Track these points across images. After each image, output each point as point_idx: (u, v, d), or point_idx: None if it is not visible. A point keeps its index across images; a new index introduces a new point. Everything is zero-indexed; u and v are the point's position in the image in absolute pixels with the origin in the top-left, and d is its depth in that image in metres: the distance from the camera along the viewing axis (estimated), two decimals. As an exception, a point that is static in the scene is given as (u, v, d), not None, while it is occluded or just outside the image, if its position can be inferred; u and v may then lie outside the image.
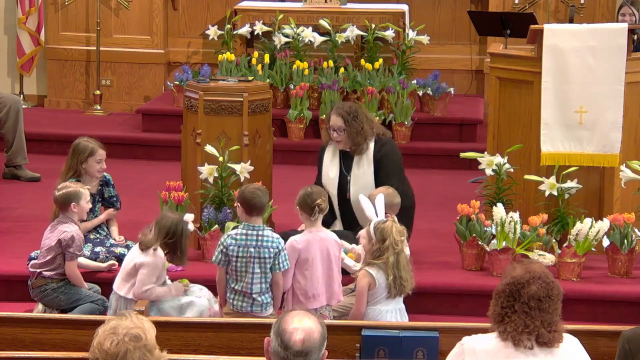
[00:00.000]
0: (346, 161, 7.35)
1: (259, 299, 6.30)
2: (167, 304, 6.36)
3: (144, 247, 6.36)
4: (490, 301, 4.45)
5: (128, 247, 7.03)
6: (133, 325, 3.55)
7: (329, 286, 6.40)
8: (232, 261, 6.30)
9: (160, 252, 6.36)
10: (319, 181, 7.41)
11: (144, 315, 5.60)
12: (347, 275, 6.66)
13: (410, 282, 6.26)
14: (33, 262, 6.74)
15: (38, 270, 6.67)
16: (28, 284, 6.73)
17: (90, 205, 6.87)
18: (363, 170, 7.28)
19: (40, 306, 6.75)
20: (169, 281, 6.55)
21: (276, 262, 6.29)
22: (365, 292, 6.23)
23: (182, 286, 6.47)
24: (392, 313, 6.28)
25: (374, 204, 6.44)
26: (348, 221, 7.26)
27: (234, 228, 6.49)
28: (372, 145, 7.29)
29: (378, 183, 7.15)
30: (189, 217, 6.63)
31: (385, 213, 6.56)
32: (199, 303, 6.40)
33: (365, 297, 6.24)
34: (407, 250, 6.75)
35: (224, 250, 6.31)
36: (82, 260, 6.87)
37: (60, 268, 6.64)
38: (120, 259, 6.98)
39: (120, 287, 6.41)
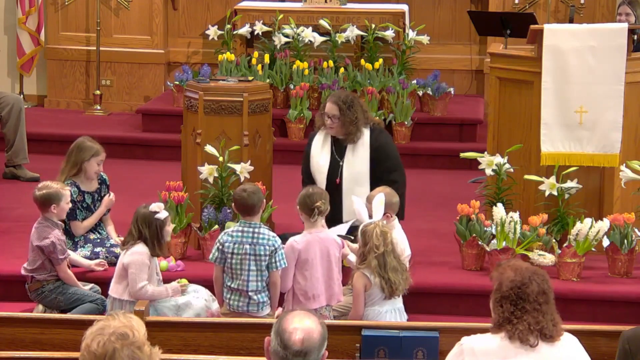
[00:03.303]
0: (338, 147, 7.35)
1: (255, 297, 6.31)
2: (164, 304, 6.36)
3: (123, 246, 6.48)
4: (493, 309, 4.45)
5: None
6: (120, 324, 3.51)
7: (329, 286, 6.40)
8: (228, 258, 6.33)
9: (141, 247, 6.37)
10: (305, 167, 7.40)
11: (144, 315, 5.61)
12: (346, 268, 6.66)
13: (402, 284, 6.26)
14: (24, 266, 6.72)
15: (30, 275, 6.66)
16: (26, 287, 6.72)
17: (69, 206, 6.85)
18: (359, 157, 7.28)
19: (40, 307, 6.75)
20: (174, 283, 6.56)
21: (273, 260, 6.31)
22: (362, 293, 6.24)
23: (180, 287, 6.47)
24: (390, 313, 6.28)
25: (371, 204, 6.48)
26: (334, 209, 7.02)
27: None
28: (367, 133, 7.32)
29: (378, 174, 7.15)
30: (154, 206, 6.48)
31: (385, 213, 6.59)
32: (195, 304, 6.40)
33: (362, 298, 6.24)
34: (406, 251, 6.76)
35: (220, 247, 6.36)
36: (73, 256, 6.91)
37: (53, 271, 6.64)
38: (120, 258, 7.02)
39: (113, 290, 6.44)
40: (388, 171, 7.26)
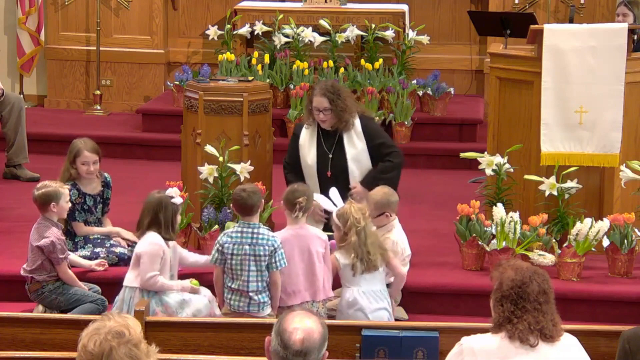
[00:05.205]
0: (327, 140, 7.34)
1: (256, 297, 6.32)
2: (169, 296, 6.36)
3: (137, 230, 6.52)
4: (493, 308, 4.45)
5: (128, 247, 7.10)
6: (116, 323, 3.52)
7: (312, 282, 6.42)
8: (228, 259, 6.34)
9: (156, 237, 6.37)
10: (291, 159, 7.41)
11: (144, 315, 5.62)
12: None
13: (380, 257, 6.33)
14: (23, 267, 6.70)
15: (30, 276, 6.66)
16: (26, 288, 6.72)
17: (69, 205, 6.84)
18: (355, 146, 7.29)
19: (40, 307, 6.75)
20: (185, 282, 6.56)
21: (273, 260, 6.32)
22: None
23: (191, 286, 6.47)
24: (366, 295, 6.31)
25: (370, 203, 6.60)
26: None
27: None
28: (357, 121, 7.33)
29: (375, 158, 7.27)
30: (171, 191, 6.55)
31: (384, 212, 6.62)
32: (198, 301, 6.40)
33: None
34: (406, 251, 6.77)
35: (220, 248, 6.37)
36: (73, 257, 6.91)
37: (52, 271, 6.63)
38: (120, 258, 7.02)
39: (126, 279, 6.46)
40: (385, 154, 7.32)
